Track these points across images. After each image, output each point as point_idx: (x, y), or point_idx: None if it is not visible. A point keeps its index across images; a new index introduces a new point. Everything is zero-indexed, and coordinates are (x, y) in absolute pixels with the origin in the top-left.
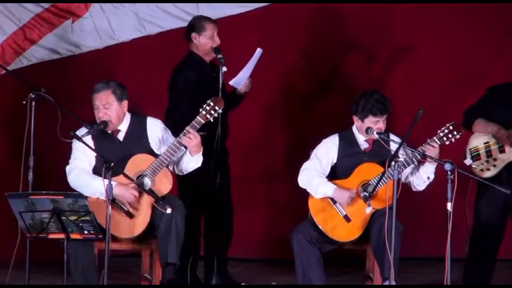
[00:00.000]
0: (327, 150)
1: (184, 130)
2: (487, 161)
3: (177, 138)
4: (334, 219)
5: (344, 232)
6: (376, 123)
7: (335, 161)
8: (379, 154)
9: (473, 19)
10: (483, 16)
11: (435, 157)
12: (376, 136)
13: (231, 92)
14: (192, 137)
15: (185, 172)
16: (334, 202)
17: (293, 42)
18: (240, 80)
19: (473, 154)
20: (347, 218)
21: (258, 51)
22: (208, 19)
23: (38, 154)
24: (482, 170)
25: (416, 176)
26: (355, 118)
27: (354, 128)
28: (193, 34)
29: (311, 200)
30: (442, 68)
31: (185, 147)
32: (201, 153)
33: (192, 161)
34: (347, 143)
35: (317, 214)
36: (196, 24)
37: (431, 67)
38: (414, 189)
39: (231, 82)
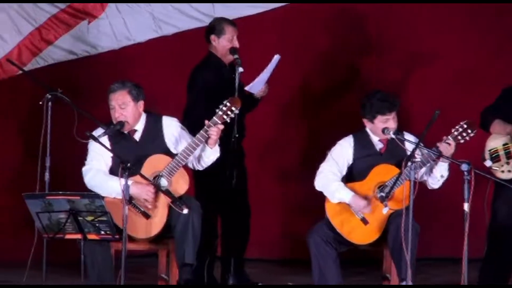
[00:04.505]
0: (342, 151)
1: (207, 123)
2: (507, 163)
3: (201, 132)
4: (352, 222)
5: (362, 235)
6: (386, 121)
7: (350, 162)
8: (395, 154)
9: (489, 19)
10: (500, 15)
11: (450, 156)
12: (393, 136)
13: (248, 95)
14: (220, 128)
15: (205, 166)
16: None
17: (309, 42)
18: (256, 86)
19: (492, 156)
20: (364, 221)
21: (276, 57)
22: (228, 21)
23: (54, 154)
24: (503, 171)
25: (430, 175)
26: (365, 120)
27: (368, 129)
28: (212, 36)
29: (328, 203)
30: (457, 69)
31: (201, 143)
32: (218, 144)
33: (212, 154)
34: (362, 144)
35: (335, 217)
36: (216, 26)
37: (446, 68)
38: (429, 187)
39: (247, 88)
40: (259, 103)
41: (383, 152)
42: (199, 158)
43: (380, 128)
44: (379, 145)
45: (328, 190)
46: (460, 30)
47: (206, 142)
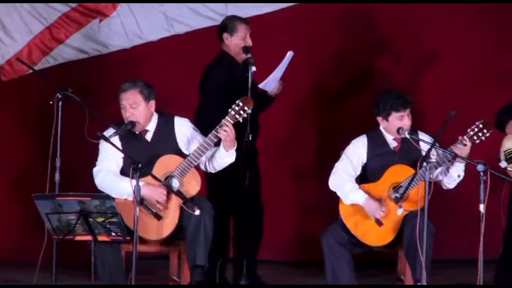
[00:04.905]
0: (356, 151)
1: (220, 123)
2: None
3: (213, 132)
4: (366, 223)
5: (376, 236)
6: (402, 119)
7: (365, 161)
8: (409, 153)
9: (502, 19)
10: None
11: (466, 156)
12: (407, 136)
13: (261, 93)
14: (228, 130)
15: (218, 169)
16: None
17: (322, 41)
18: (270, 83)
19: (507, 157)
20: (379, 222)
21: (289, 54)
22: (241, 19)
23: (65, 155)
24: None
25: (446, 175)
26: (379, 119)
27: (381, 128)
28: (225, 35)
29: (342, 204)
30: (471, 69)
31: (215, 145)
32: (235, 148)
33: (226, 156)
34: (376, 143)
35: (348, 218)
36: (228, 24)
37: (460, 68)
38: (444, 188)
39: (260, 85)
40: (273, 101)
41: (397, 151)
42: (212, 160)
43: (395, 126)
44: (393, 144)
45: (342, 190)
46: (475, 29)
47: (219, 143)
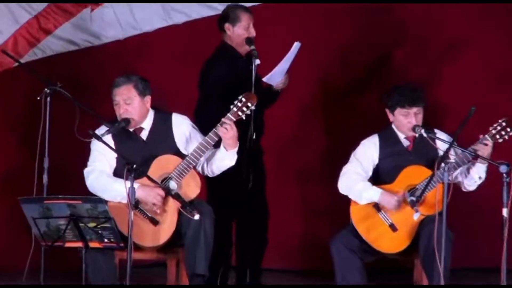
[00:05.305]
0: (366, 152)
1: (221, 121)
2: None
3: (213, 130)
4: (379, 228)
5: (390, 242)
6: (407, 116)
7: (376, 162)
8: (424, 153)
9: None
10: None
11: (487, 156)
12: (424, 135)
13: (266, 88)
14: (228, 128)
15: (216, 172)
16: (379, 209)
17: (330, 33)
18: (276, 77)
19: None
20: (393, 227)
21: (296, 44)
22: (243, 8)
23: (53, 155)
24: None
25: (466, 177)
26: (387, 111)
27: (393, 126)
28: (227, 25)
29: (353, 207)
30: (492, 63)
31: (215, 146)
32: (236, 149)
33: (226, 158)
34: (388, 142)
35: (360, 222)
36: (230, 13)
37: (477, 65)
38: (464, 190)
39: (265, 79)
40: (279, 96)
41: (411, 150)
42: (211, 161)
43: (401, 122)
44: (405, 143)
45: (354, 191)
46: (493, 24)
47: (219, 143)
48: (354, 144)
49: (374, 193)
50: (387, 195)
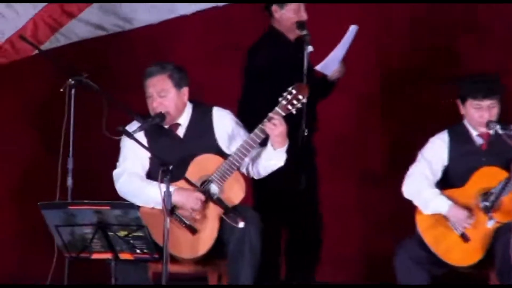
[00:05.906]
0: (435, 150)
1: (268, 116)
2: None
3: (259, 127)
4: (449, 238)
5: (462, 254)
6: (479, 109)
7: (446, 162)
8: (499, 152)
9: None
10: None
11: None
12: (500, 132)
13: (320, 78)
14: (277, 124)
15: (263, 174)
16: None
17: (392, 17)
18: (330, 65)
19: None
20: (465, 237)
21: (352, 28)
22: None
23: (78, 154)
24: None
25: None
26: (458, 103)
27: (465, 122)
28: (274, 7)
29: (419, 214)
30: None
31: (262, 145)
32: (285, 148)
33: (274, 157)
34: (459, 140)
35: (427, 231)
36: None
37: None
38: None
39: (318, 67)
40: (334, 87)
41: (484, 149)
42: (256, 161)
43: (472, 116)
44: (478, 141)
45: (420, 198)
46: None
47: (266, 141)
48: (420, 144)
49: (443, 205)
50: (457, 210)
